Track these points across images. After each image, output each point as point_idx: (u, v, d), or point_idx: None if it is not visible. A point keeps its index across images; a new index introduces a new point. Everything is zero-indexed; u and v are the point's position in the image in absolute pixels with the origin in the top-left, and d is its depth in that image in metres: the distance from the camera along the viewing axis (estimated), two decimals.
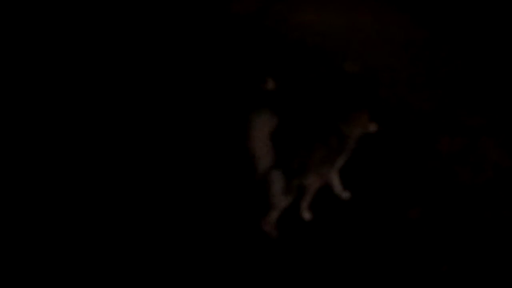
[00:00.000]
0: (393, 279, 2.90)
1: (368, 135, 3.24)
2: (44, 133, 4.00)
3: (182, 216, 3.29)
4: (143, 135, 3.98)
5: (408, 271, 2.93)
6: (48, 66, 4.89)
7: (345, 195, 3.37)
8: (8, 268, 2.95)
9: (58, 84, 4.62)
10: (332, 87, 4.53)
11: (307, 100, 4.34)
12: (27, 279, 2.91)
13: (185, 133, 3.99)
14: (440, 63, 4.88)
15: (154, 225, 3.24)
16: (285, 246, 3.08)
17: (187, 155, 3.75)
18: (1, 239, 3.11)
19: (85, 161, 3.73)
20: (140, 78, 4.75)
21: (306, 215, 3.23)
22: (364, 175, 3.56)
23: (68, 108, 4.31)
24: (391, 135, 3.79)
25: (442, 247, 3.05)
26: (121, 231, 3.20)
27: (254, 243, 3.10)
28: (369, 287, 2.89)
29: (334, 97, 4.32)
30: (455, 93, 4.41)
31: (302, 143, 3.01)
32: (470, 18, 5.69)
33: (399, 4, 6.13)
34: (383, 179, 3.53)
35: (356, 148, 3.20)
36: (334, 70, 4.83)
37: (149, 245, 3.11)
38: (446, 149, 3.79)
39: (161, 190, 3.46)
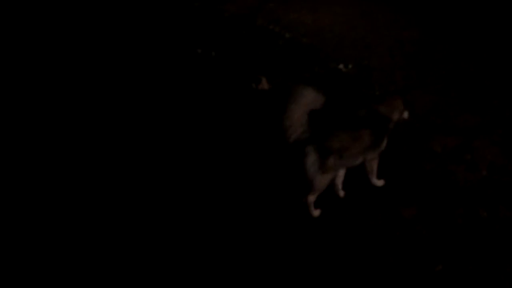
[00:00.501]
0: (388, 278, 2.88)
1: None
2: (44, 133, 4.01)
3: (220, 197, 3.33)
4: (149, 131, 3.99)
5: (402, 270, 2.91)
6: (48, 66, 4.93)
7: (380, 183, 3.42)
8: (8, 268, 2.95)
9: (58, 84, 4.65)
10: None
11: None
12: (27, 279, 2.90)
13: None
14: (433, 62, 4.87)
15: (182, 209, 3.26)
16: (280, 244, 3.07)
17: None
18: (1, 239, 3.12)
19: (85, 161, 3.74)
20: (136, 77, 4.74)
21: (378, 183, 3.38)
22: (359, 174, 3.54)
23: (67, 108, 4.31)
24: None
25: (436, 246, 3.03)
26: (135, 224, 3.21)
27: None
28: (364, 286, 2.86)
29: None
30: (449, 92, 4.40)
31: (348, 128, 3.04)
32: (463, 18, 5.71)
33: (392, 5, 6.13)
34: (378, 178, 3.51)
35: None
36: (328, 70, 4.82)
37: (171, 236, 3.13)
38: (441, 148, 3.77)
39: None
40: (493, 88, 4.47)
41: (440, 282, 2.85)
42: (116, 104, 4.34)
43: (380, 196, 3.38)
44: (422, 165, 3.63)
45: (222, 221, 3.25)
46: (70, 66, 4.91)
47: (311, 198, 3.13)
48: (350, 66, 4.88)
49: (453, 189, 3.43)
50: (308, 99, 2.89)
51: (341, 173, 3.30)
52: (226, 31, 5.64)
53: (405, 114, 3.29)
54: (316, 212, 3.21)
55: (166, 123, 4.10)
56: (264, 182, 3.47)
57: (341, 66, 4.89)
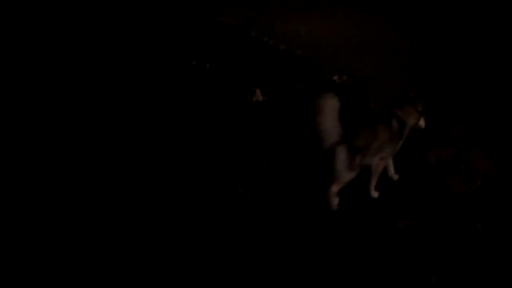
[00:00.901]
0: None
1: None
2: (44, 133, 4.02)
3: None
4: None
5: (397, 282, 2.89)
6: (48, 66, 4.94)
7: (396, 177, 3.58)
8: (8, 268, 2.95)
9: (58, 84, 4.67)
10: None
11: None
12: (27, 279, 2.90)
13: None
14: (427, 73, 4.89)
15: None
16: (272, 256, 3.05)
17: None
18: (1, 239, 3.12)
19: (84, 160, 3.76)
20: (130, 88, 4.74)
21: (374, 194, 3.47)
22: (354, 185, 3.54)
23: (66, 108, 4.33)
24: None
25: (431, 257, 3.02)
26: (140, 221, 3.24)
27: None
28: None
29: None
30: (444, 103, 4.41)
31: (368, 126, 3.27)
32: (457, 29, 5.74)
33: (386, 16, 6.16)
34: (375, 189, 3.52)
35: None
36: (323, 81, 4.83)
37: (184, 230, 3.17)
38: (435, 159, 3.77)
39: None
40: (487, 98, 4.48)
41: None
42: (111, 115, 4.34)
43: (375, 208, 3.38)
44: (417, 176, 3.63)
45: (219, 223, 3.26)
46: (60, 82, 4.90)
47: (334, 189, 3.29)
48: (344, 77, 4.89)
49: (448, 200, 3.43)
50: (336, 105, 3.12)
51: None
52: (221, 42, 5.65)
53: (422, 122, 3.50)
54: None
55: (162, 131, 4.11)
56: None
57: (335, 77, 4.90)
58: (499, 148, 3.86)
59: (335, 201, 3.32)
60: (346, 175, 3.24)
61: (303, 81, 4.84)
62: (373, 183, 3.46)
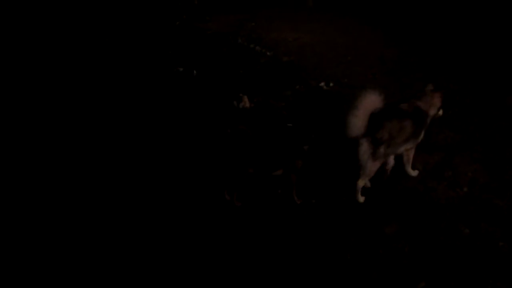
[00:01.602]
0: None
1: None
2: (44, 133, 4.10)
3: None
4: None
5: (385, 287, 2.90)
6: (49, 66, 4.94)
7: (414, 173, 3.69)
8: (8, 268, 2.97)
9: (58, 84, 4.66)
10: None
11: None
12: (27, 279, 2.92)
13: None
14: (414, 80, 4.93)
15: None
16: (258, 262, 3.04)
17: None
18: (1, 239, 3.15)
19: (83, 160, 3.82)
20: (115, 96, 4.73)
21: (413, 173, 3.69)
22: (341, 191, 3.55)
23: (65, 108, 4.40)
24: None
25: (419, 263, 3.02)
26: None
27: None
28: None
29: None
30: None
31: (392, 119, 3.38)
32: (443, 36, 5.80)
33: (373, 24, 6.22)
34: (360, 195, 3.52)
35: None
36: (310, 88, 4.85)
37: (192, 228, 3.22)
38: (422, 165, 3.79)
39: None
40: (473, 105, 4.52)
41: None
42: (100, 122, 4.32)
43: (363, 213, 3.38)
44: (404, 182, 3.64)
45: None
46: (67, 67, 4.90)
47: (361, 183, 3.45)
48: (331, 84, 4.91)
49: (435, 206, 3.44)
50: (371, 100, 3.25)
51: (390, 161, 3.65)
52: (208, 49, 5.66)
53: (440, 111, 3.65)
54: (361, 199, 3.49)
55: (149, 137, 4.11)
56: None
57: (322, 84, 4.92)
58: (485, 154, 3.89)
59: (360, 195, 3.48)
60: (371, 166, 3.40)
61: (290, 87, 4.86)
62: (408, 167, 3.68)
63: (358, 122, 3.25)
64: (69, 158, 3.91)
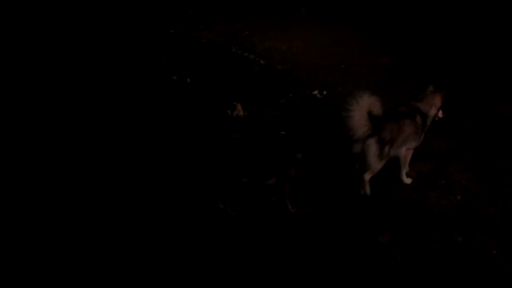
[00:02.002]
0: None
1: None
2: (44, 133, 4.13)
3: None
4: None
5: None
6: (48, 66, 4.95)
7: (407, 181, 3.74)
8: (8, 268, 3.00)
9: (58, 84, 4.67)
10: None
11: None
12: (27, 279, 2.95)
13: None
14: (406, 88, 4.94)
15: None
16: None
17: None
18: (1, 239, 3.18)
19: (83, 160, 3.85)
20: (109, 104, 4.73)
21: (407, 180, 3.74)
22: (336, 200, 3.55)
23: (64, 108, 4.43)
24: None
25: (413, 272, 3.02)
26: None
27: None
28: None
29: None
30: None
31: (394, 120, 3.54)
32: (435, 45, 5.83)
33: (366, 32, 6.25)
34: (353, 204, 3.53)
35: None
36: (303, 96, 4.86)
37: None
38: (415, 173, 3.80)
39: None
40: (466, 113, 4.54)
41: None
42: (94, 128, 4.34)
43: (356, 222, 3.38)
44: (397, 191, 3.65)
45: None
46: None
47: (367, 177, 3.58)
48: (324, 92, 4.92)
49: (428, 214, 3.44)
50: (368, 102, 3.39)
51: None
52: (201, 58, 5.67)
53: (440, 113, 3.75)
54: (368, 190, 3.60)
55: (142, 145, 4.11)
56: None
57: (315, 92, 4.93)
58: (478, 162, 3.90)
59: (368, 188, 3.60)
60: (377, 164, 3.53)
61: (283, 96, 4.87)
62: (403, 172, 3.74)
63: (360, 122, 3.39)
64: (65, 164, 3.92)
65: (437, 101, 3.70)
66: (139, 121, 4.44)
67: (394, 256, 3.12)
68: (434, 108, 3.68)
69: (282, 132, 3.55)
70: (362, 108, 3.40)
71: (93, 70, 5.32)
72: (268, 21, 6.54)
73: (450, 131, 4.27)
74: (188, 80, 5.19)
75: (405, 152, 3.67)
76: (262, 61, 5.58)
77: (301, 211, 3.47)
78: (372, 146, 3.48)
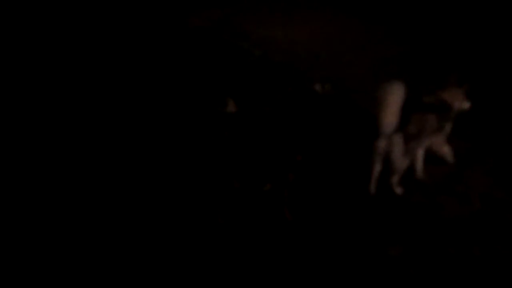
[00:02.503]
0: None
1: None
2: (44, 133, 4.26)
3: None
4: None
5: None
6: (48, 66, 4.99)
7: (424, 176, 3.87)
8: (8, 268, 3.19)
9: (57, 84, 4.76)
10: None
11: None
12: (27, 279, 3.14)
13: None
14: (421, 82, 4.95)
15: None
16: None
17: None
18: (1, 239, 3.38)
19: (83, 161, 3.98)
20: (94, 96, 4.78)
21: (421, 175, 3.87)
22: (343, 208, 3.59)
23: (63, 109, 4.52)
24: (367, 163, 3.83)
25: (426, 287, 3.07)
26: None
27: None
28: None
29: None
30: None
31: (418, 112, 3.64)
32: (449, 33, 5.83)
33: (373, 19, 6.23)
34: (361, 212, 3.58)
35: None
36: (303, 91, 4.87)
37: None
38: (429, 178, 3.84)
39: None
40: (486, 111, 4.55)
41: None
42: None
43: (365, 233, 3.41)
44: (410, 198, 3.69)
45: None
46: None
47: (395, 179, 3.70)
48: (327, 86, 4.94)
49: (443, 223, 3.48)
50: (400, 95, 3.53)
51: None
52: (189, 46, 5.68)
53: (466, 104, 3.79)
54: (399, 190, 3.72)
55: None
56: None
57: (317, 86, 4.95)
58: (498, 166, 3.94)
59: (399, 189, 3.73)
60: (401, 163, 3.65)
61: (281, 90, 4.88)
62: (420, 169, 3.84)
63: (393, 119, 3.51)
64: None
65: (460, 92, 3.77)
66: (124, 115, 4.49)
67: (406, 270, 3.15)
68: (458, 99, 3.75)
69: (279, 131, 3.57)
70: (395, 102, 3.49)
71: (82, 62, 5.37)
72: (264, 5, 6.54)
73: (467, 132, 4.28)
74: (174, 71, 5.20)
75: (435, 146, 3.85)
76: (257, 51, 5.60)
77: (301, 220, 3.51)
78: (398, 143, 3.55)
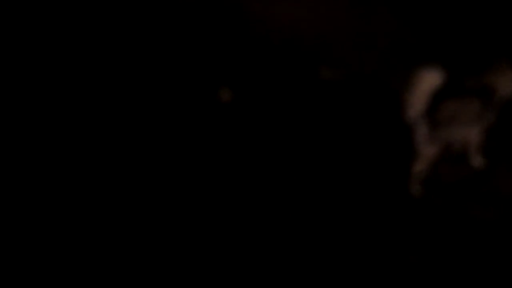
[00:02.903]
0: None
1: None
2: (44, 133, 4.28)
3: None
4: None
5: None
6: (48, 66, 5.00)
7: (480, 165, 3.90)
8: (8, 268, 3.34)
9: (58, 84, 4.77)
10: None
11: None
12: (27, 279, 3.29)
13: None
14: (434, 67, 4.97)
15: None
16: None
17: None
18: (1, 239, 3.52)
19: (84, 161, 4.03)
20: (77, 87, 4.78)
21: (477, 160, 3.90)
22: (360, 209, 3.59)
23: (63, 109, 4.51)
24: (382, 159, 3.84)
25: None
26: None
27: None
28: None
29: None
30: None
31: (454, 96, 3.62)
32: (469, 18, 5.87)
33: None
34: (377, 215, 3.59)
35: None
36: (308, 76, 4.88)
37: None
38: (452, 179, 3.85)
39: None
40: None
41: None
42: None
43: (382, 239, 3.42)
44: (430, 200, 3.70)
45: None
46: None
47: (417, 168, 3.70)
48: (336, 72, 4.95)
49: (467, 229, 3.50)
50: (431, 79, 3.54)
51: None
52: (176, 25, 5.66)
53: None
54: (419, 189, 3.73)
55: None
56: None
57: (324, 71, 4.96)
58: None
59: (418, 187, 3.71)
60: (426, 150, 3.63)
61: (283, 76, 4.89)
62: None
63: (417, 103, 3.50)
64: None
65: (508, 77, 3.72)
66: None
67: (427, 279, 3.17)
68: (506, 82, 3.70)
69: (281, 122, 3.57)
70: (426, 88, 3.51)
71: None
72: None
73: (491, 125, 4.30)
74: (161, 55, 5.18)
75: (479, 134, 3.77)
76: (255, 30, 5.59)
77: (304, 224, 3.51)
78: (423, 127, 3.55)
